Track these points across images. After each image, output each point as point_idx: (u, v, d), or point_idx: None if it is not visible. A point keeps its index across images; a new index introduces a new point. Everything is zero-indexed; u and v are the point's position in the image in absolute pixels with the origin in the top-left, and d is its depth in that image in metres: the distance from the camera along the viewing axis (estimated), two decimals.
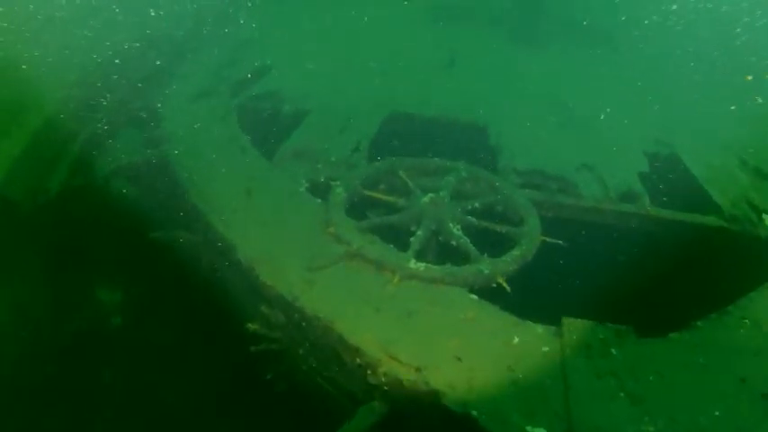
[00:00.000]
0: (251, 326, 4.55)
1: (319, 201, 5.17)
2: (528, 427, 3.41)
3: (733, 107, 7.44)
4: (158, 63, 7.26)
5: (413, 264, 4.39)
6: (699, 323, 4.17)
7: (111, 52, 6.68)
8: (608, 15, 9.58)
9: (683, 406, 3.56)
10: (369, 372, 3.77)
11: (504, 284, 4.46)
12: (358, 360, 3.82)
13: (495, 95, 7.50)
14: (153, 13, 7.50)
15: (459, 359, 3.77)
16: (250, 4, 8.99)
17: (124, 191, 6.24)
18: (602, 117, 7.18)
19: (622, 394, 3.60)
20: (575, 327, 4.04)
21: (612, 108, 7.44)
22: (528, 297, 4.48)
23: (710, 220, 5.59)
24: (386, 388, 3.74)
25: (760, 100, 7.43)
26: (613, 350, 3.91)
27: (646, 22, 9.38)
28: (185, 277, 5.76)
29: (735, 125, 7.19)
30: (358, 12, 9.28)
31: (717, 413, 3.52)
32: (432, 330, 3.98)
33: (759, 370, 3.82)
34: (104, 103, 6.55)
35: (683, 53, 8.94)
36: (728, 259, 5.34)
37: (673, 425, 3.44)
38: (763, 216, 5.60)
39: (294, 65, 7.80)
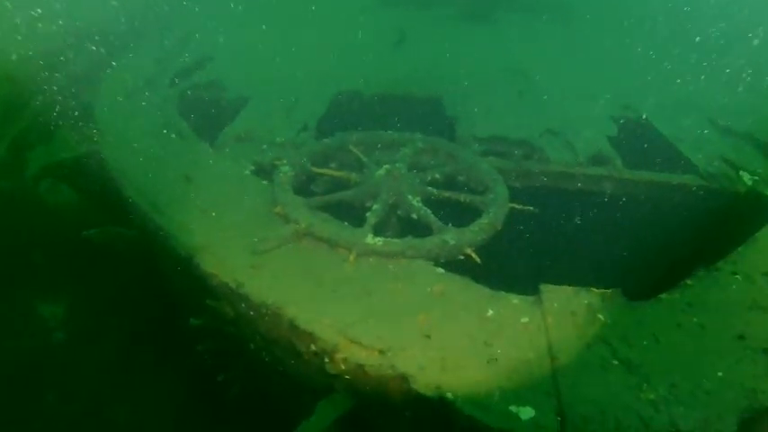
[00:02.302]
0: (195, 321, 4.11)
1: (265, 183, 4.71)
2: (512, 408, 2.96)
3: (703, 75, 7.20)
4: (95, 58, 6.73)
5: (370, 239, 3.93)
6: (689, 282, 3.85)
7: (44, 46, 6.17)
8: None
9: (683, 370, 3.20)
10: (326, 360, 3.29)
11: (474, 255, 4.01)
12: (313, 347, 3.34)
13: (449, 69, 7.11)
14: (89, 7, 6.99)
15: (429, 337, 3.32)
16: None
17: (56, 191, 5.75)
18: (562, 86, 6.80)
19: (616, 362, 3.20)
20: (555, 294, 3.65)
21: (573, 77, 7.10)
22: (500, 269, 4.05)
23: (689, 178, 5.27)
24: (347, 377, 3.27)
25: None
26: (600, 315, 3.51)
27: None
28: (128, 281, 5.35)
29: (699, 87, 6.92)
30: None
31: (719, 374, 3.18)
32: (395, 308, 3.52)
33: (757, 325, 3.54)
34: (36, 102, 6.04)
35: (637, 21, 8.67)
36: (710, 217, 5.00)
37: (675, 391, 3.06)
38: (741, 172, 5.29)
39: (237, 53, 7.34)
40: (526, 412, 2.93)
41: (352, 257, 3.87)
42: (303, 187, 4.74)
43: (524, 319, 3.48)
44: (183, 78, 6.73)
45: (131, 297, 5.51)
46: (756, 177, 5.19)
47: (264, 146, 5.31)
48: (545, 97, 6.51)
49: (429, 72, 6.96)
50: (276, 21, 8.29)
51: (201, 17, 8.26)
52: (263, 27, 8.09)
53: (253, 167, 5.02)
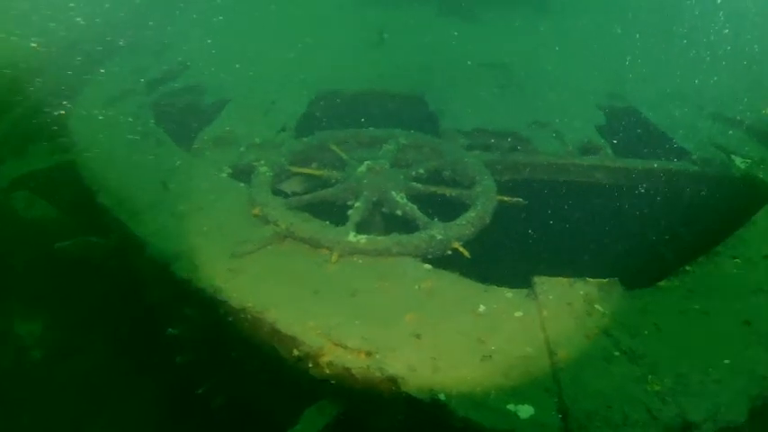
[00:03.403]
0: (172, 330, 3.92)
1: (243, 185, 4.52)
2: (510, 406, 2.76)
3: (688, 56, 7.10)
4: (70, 69, 6.54)
5: (352, 237, 3.74)
6: (688, 268, 3.72)
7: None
8: None
9: (689, 358, 3.04)
10: (310, 365, 3.08)
11: (462, 250, 3.83)
12: (296, 352, 3.12)
13: (430, 65, 6.95)
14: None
15: (418, 336, 3.12)
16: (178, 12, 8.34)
17: (32, 205, 5.56)
18: (546, 77, 6.66)
19: (618, 353, 3.03)
20: (550, 286, 3.48)
21: (557, 68, 6.97)
22: (490, 264, 3.87)
23: (681, 165, 5.14)
24: (334, 382, 3.06)
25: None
26: (599, 306, 3.33)
27: None
28: (106, 293, 5.28)
29: (685, 75, 6.79)
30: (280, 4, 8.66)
31: (726, 361, 3.03)
32: (382, 308, 3.33)
33: (761, 309, 3.42)
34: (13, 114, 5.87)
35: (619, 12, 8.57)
36: (705, 203, 4.85)
37: (682, 381, 2.88)
38: (732, 157, 5.16)
39: (215, 57, 7.12)
40: (525, 410, 2.74)
41: (334, 257, 3.68)
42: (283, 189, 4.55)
43: (519, 314, 3.31)
44: (160, 85, 6.53)
45: (110, 309, 5.29)
46: (749, 161, 5.06)
47: (242, 148, 5.11)
48: (530, 90, 6.35)
49: (410, 69, 6.80)
50: (254, 22, 8.10)
51: (179, 23, 8.06)
52: (241, 29, 7.91)
53: (230, 170, 4.83)
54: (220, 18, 8.28)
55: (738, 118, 5.78)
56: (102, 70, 6.79)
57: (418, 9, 9.03)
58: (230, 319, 3.46)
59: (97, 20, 7.38)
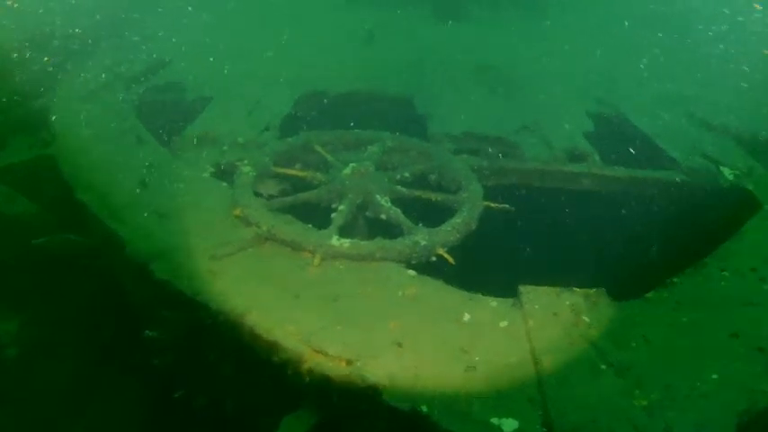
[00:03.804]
0: (150, 333, 3.83)
1: (225, 185, 4.43)
2: (493, 419, 2.69)
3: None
4: (51, 63, 6.41)
5: (335, 240, 3.66)
6: (676, 279, 3.68)
7: None
8: None
9: (677, 372, 2.99)
10: (290, 371, 2.99)
11: (447, 257, 3.75)
12: (276, 358, 3.03)
13: (419, 66, 6.86)
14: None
15: (400, 345, 3.04)
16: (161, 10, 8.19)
17: (12, 202, 5.43)
18: (537, 81, 6.60)
19: (604, 366, 2.97)
20: (536, 295, 3.42)
21: (547, 73, 6.90)
22: (476, 271, 3.80)
23: (669, 174, 5.10)
24: (313, 389, 2.96)
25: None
26: (585, 317, 3.27)
27: None
28: (86, 292, 5.14)
29: (675, 80, 6.76)
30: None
31: (714, 376, 2.97)
32: (364, 314, 3.25)
33: (750, 322, 3.38)
34: None
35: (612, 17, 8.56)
36: (693, 213, 4.80)
37: (669, 394, 2.82)
38: (721, 167, 5.12)
39: (198, 55, 6.96)
40: (509, 424, 2.67)
41: (316, 261, 3.60)
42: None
43: (504, 323, 3.24)
44: (142, 78, 6.41)
45: (92, 308, 5.15)
46: (737, 172, 5.02)
47: (225, 147, 5.01)
48: (520, 93, 6.29)
49: (399, 69, 6.71)
50: (242, 19, 7.97)
51: (163, 17, 7.92)
52: (228, 24, 7.79)
53: (212, 170, 4.74)
54: (207, 13, 8.15)
55: (729, 126, 5.77)
56: (83, 61, 6.66)
57: (412, 10, 8.90)
58: (209, 321, 3.37)
59: (79, 8, 7.26)
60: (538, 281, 3.54)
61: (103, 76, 6.34)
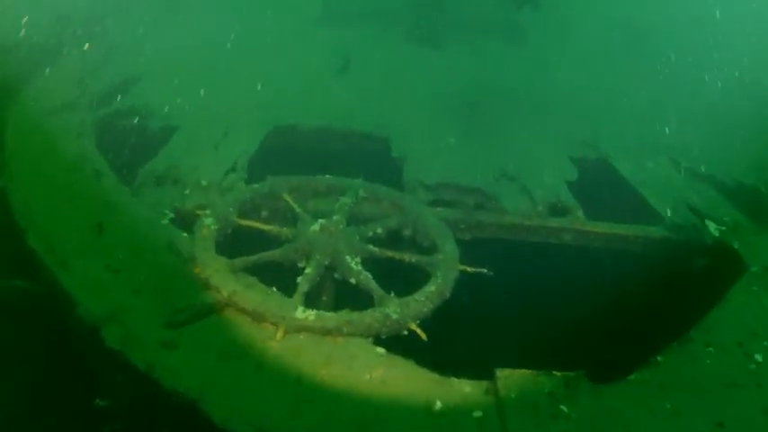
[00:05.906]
0: (101, 402, 3.58)
1: (185, 235, 4.16)
2: None
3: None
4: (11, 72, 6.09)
5: (300, 312, 3.41)
6: (660, 358, 3.50)
7: None
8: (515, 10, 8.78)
9: None
10: None
11: (419, 331, 3.53)
12: None
13: (396, 101, 6.61)
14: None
15: None
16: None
17: None
18: (517, 118, 6.39)
19: None
20: (512, 381, 3.19)
21: (527, 108, 6.69)
22: (449, 344, 3.58)
23: (653, 230, 4.93)
24: None
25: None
26: (564, 407, 3.06)
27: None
28: (31, 344, 4.74)
29: (661, 124, 6.58)
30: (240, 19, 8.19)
31: None
32: (328, 399, 3.01)
33: (735, 408, 3.23)
34: None
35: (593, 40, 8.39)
36: (677, 272, 4.63)
37: None
38: (707, 221, 4.95)
39: (166, 75, 6.63)
40: None
41: (279, 335, 3.35)
42: (228, 243, 4.19)
43: (478, 414, 3.02)
44: (106, 100, 6.08)
45: (34, 363, 4.83)
46: (723, 228, 4.85)
47: (187, 190, 4.74)
48: (500, 133, 6.07)
49: (374, 104, 6.45)
50: (212, 39, 7.65)
51: (130, 29, 7.59)
52: (196, 46, 7.45)
53: (172, 215, 4.48)
54: (179, 32, 7.82)
55: (716, 176, 5.64)
56: (46, 71, 6.33)
57: (385, 33, 8.63)
58: (162, 400, 3.11)
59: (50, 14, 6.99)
60: (513, 353, 3.35)
61: (68, 87, 6.04)
